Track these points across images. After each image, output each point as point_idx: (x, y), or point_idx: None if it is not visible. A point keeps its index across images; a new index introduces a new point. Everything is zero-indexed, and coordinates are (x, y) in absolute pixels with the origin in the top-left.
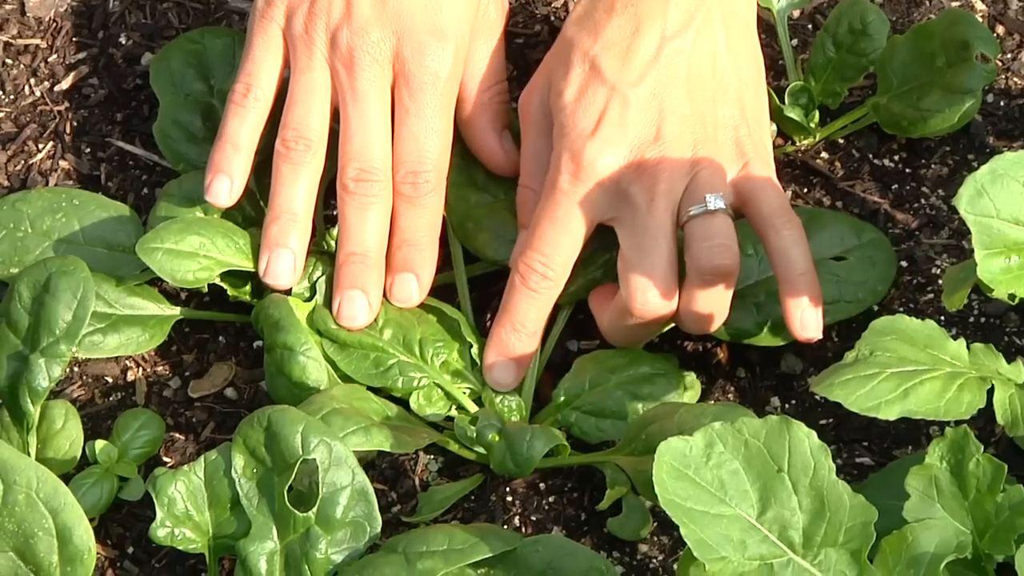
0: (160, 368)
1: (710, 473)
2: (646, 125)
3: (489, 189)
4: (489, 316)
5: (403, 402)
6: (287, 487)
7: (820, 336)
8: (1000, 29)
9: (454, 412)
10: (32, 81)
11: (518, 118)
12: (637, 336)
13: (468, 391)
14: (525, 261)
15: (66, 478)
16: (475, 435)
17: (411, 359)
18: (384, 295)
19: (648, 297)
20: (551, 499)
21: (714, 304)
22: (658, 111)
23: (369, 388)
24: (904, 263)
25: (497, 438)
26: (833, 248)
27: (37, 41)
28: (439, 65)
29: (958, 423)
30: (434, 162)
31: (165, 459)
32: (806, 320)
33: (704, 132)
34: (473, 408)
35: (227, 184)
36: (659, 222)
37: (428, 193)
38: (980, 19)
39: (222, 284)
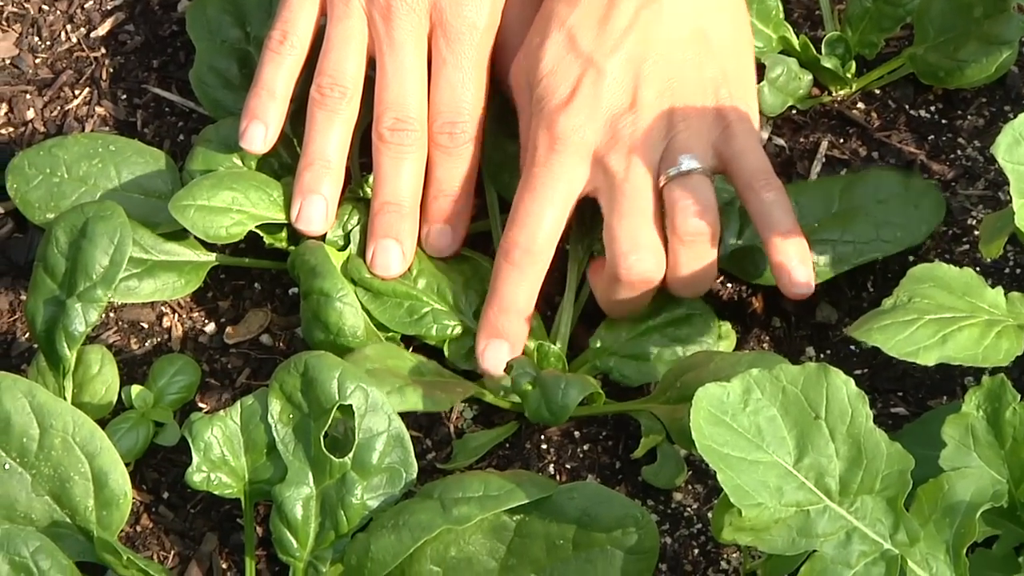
0: (196, 314)
1: (747, 419)
2: (620, 94)
3: None
4: None
5: (437, 352)
6: (323, 433)
7: (811, 292)
8: None
9: None
10: (68, 27)
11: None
12: (631, 305)
13: None
14: (508, 237)
15: (102, 423)
16: (509, 384)
17: (445, 307)
18: (419, 244)
19: (632, 262)
20: (585, 447)
21: (699, 265)
22: (633, 79)
23: (403, 338)
24: None
25: (531, 387)
26: (879, 194)
27: None
28: (476, 15)
29: (993, 372)
30: (470, 112)
31: (200, 405)
32: (795, 278)
33: (682, 96)
34: None
35: (262, 131)
36: (638, 187)
37: (464, 144)
38: None
39: (258, 231)
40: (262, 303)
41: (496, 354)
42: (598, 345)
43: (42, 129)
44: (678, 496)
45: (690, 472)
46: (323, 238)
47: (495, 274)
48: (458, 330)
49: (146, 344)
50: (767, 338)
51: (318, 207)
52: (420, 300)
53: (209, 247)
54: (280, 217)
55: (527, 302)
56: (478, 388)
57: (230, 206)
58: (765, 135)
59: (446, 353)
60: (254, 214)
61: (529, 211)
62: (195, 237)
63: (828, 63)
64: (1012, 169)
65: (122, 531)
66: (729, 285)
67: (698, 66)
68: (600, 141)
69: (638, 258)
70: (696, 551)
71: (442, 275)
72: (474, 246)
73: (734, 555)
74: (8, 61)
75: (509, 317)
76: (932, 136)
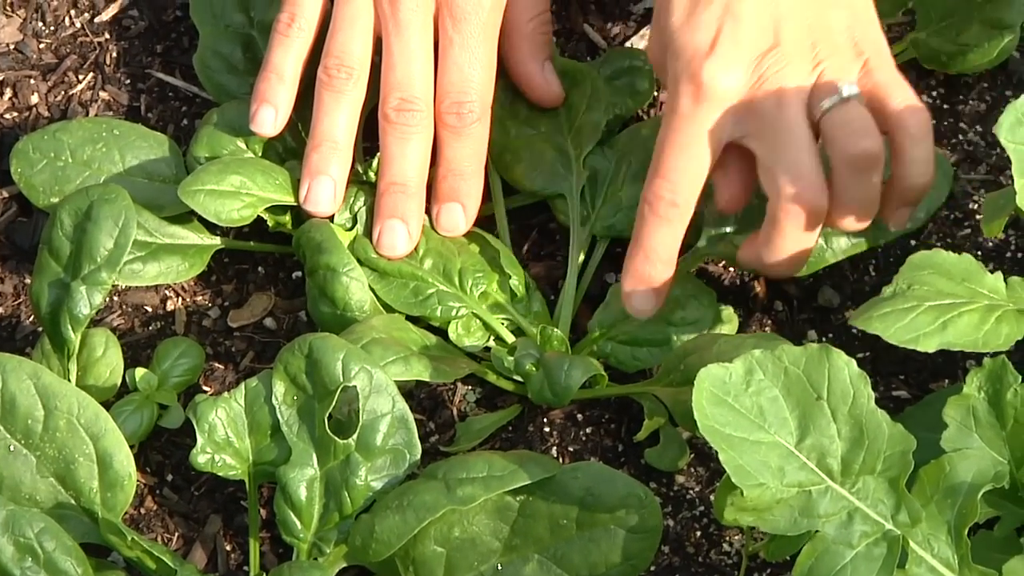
0: (199, 298)
1: (749, 400)
2: (762, 34)
3: (530, 122)
4: (527, 247)
5: (442, 332)
6: (327, 414)
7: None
8: None
9: (492, 343)
10: (72, 12)
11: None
12: (793, 257)
13: (506, 322)
14: (653, 189)
15: (106, 406)
16: (513, 365)
17: (450, 289)
18: (431, 224)
19: (800, 191)
20: (588, 430)
21: (867, 194)
22: (771, 19)
23: (408, 318)
24: None
25: (535, 368)
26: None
27: None
28: None
29: (994, 355)
30: (478, 92)
31: (204, 388)
32: (899, 218)
33: (821, 33)
34: (511, 339)
35: (272, 114)
36: (794, 120)
37: (473, 123)
38: None
39: (263, 215)
40: (266, 286)
41: (643, 302)
42: (596, 330)
43: (46, 114)
44: (680, 478)
45: (692, 455)
46: (331, 219)
47: (640, 223)
48: (463, 311)
49: (150, 327)
50: (769, 322)
51: (326, 188)
52: (426, 281)
53: (212, 230)
54: (287, 199)
55: (672, 252)
56: (481, 367)
57: (238, 189)
58: None
59: (450, 334)
60: (262, 196)
61: (673, 164)
62: (200, 220)
63: None
64: (1014, 149)
65: (126, 513)
66: (731, 270)
67: (830, 5)
68: (748, 85)
69: (805, 185)
70: (699, 533)
71: (449, 255)
72: (479, 227)
73: (736, 537)
74: (12, 46)
75: (656, 266)
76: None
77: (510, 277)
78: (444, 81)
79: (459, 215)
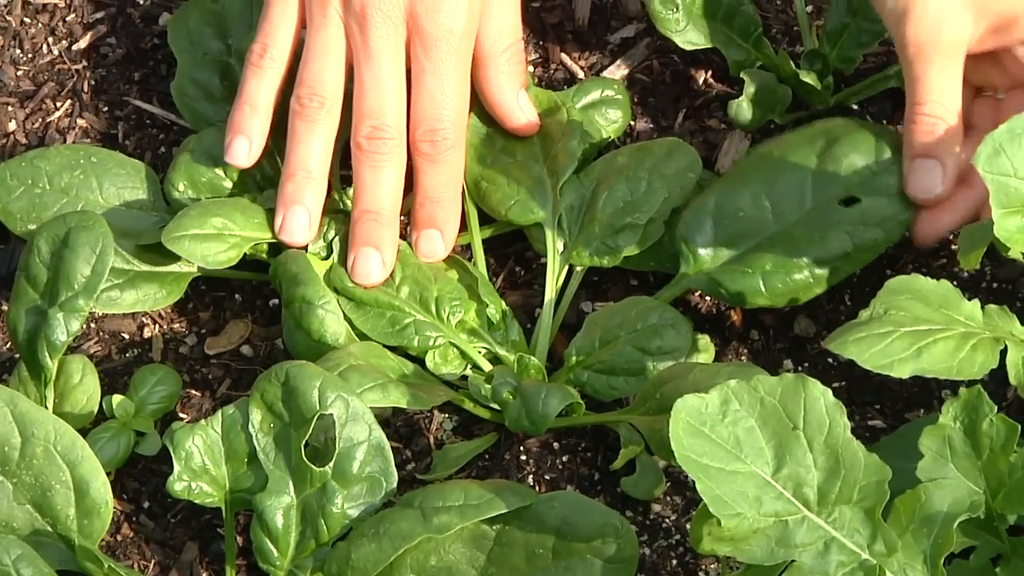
0: (176, 325)
1: (726, 430)
2: None
3: (507, 150)
4: (504, 275)
5: (419, 360)
6: (304, 442)
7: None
8: None
9: (469, 371)
10: (50, 40)
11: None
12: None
13: (484, 351)
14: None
15: (83, 433)
16: (490, 393)
17: (427, 318)
18: (411, 249)
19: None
20: (565, 458)
21: None
22: None
23: (385, 347)
24: None
25: (512, 396)
26: (850, 179)
27: (55, 0)
28: (453, 21)
29: (970, 384)
30: (452, 119)
31: (181, 415)
32: None
33: None
34: (488, 367)
35: (246, 145)
36: None
37: (448, 150)
38: None
39: None
40: (243, 314)
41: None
42: (573, 358)
43: (24, 141)
44: (657, 507)
45: (669, 483)
46: (305, 248)
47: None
48: (440, 340)
49: (127, 354)
50: (745, 351)
51: (301, 218)
52: (402, 311)
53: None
54: (268, 236)
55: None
56: (458, 395)
57: (221, 231)
58: (744, 149)
59: (428, 362)
60: (245, 236)
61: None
62: None
63: (806, 78)
64: (992, 180)
65: (103, 540)
66: (707, 299)
67: None
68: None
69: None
70: (675, 562)
71: (426, 283)
72: (458, 255)
73: (712, 565)
74: None
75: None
76: None
77: (487, 305)
78: (417, 108)
79: (438, 241)
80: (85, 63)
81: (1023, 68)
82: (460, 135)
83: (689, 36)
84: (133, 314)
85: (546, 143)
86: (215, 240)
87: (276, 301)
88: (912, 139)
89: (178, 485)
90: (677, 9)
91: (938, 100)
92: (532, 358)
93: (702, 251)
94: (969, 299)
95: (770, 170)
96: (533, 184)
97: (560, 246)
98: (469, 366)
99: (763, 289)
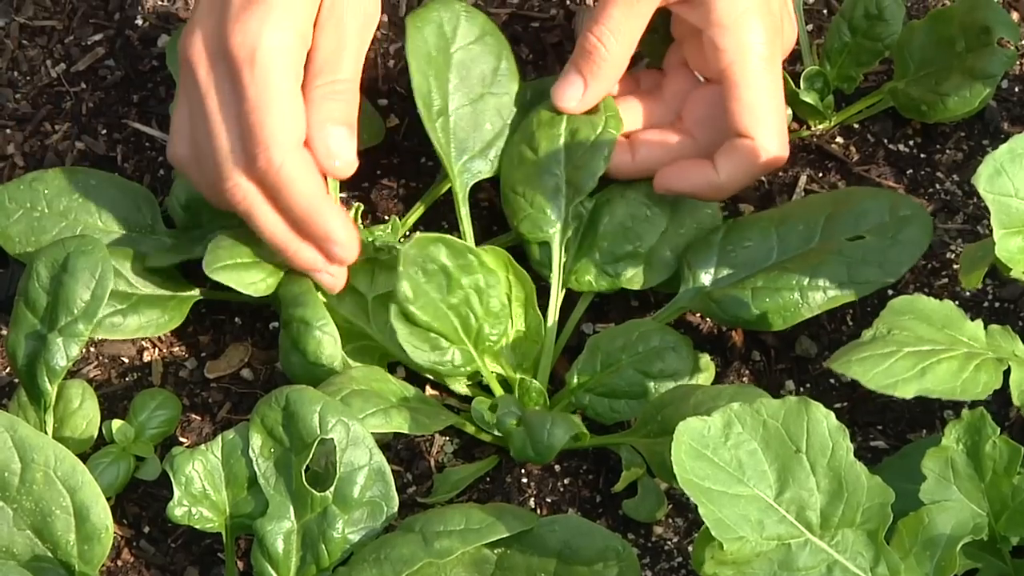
0: (176, 349)
1: (728, 453)
2: None
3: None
4: None
5: (420, 383)
6: (304, 467)
7: None
8: (1014, 16)
9: (468, 391)
10: (49, 62)
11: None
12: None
13: (497, 374)
14: None
15: (83, 458)
16: (495, 422)
17: (466, 344)
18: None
19: None
20: (566, 481)
21: None
22: None
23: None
24: None
25: (517, 425)
26: (860, 225)
27: (53, 23)
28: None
29: (973, 406)
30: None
31: (181, 439)
32: None
33: None
34: (498, 388)
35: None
36: None
37: None
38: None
39: None
40: (242, 337)
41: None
42: (575, 381)
43: (22, 164)
44: (659, 530)
45: (671, 505)
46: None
47: None
48: (471, 368)
49: (127, 379)
50: (747, 372)
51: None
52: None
53: (190, 280)
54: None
55: None
56: (460, 419)
57: (255, 259)
58: None
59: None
60: (275, 265)
61: None
62: (177, 269)
63: (807, 97)
64: (993, 200)
65: (103, 565)
66: (708, 320)
67: None
68: None
69: None
70: None
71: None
72: None
73: None
74: None
75: None
76: (911, 170)
77: (513, 323)
78: None
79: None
80: (83, 85)
81: (715, 55)
82: None
83: None
84: (133, 339)
85: (573, 144)
86: (253, 268)
87: (276, 324)
88: (575, 53)
89: (178, 510)
90: None
91: (609, 29)
92: (534, 382)
93: (703, 274)
94: (972, 319)
95: (785, 211)
96: (549, 195)
97: (564, 268)
98: (475, 383)
99: (755, 310)
